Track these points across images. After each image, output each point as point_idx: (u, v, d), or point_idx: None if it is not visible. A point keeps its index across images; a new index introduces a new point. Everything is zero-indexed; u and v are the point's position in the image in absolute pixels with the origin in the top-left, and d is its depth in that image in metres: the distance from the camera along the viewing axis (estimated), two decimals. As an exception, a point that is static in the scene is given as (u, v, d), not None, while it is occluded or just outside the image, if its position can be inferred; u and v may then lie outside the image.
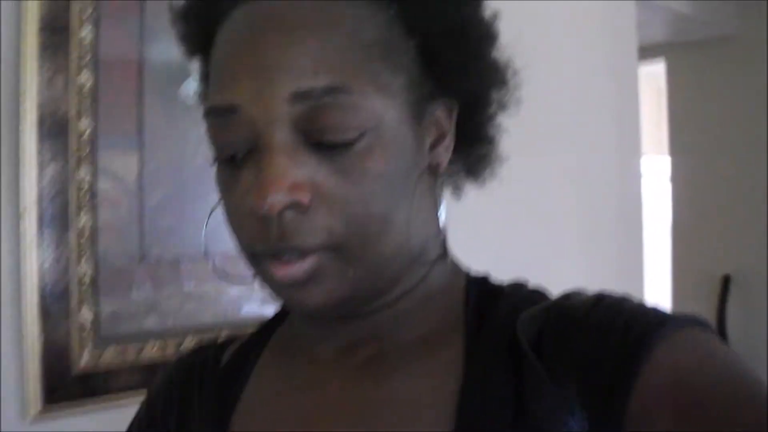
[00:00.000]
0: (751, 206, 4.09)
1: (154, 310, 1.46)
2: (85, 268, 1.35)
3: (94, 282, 1.36)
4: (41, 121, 1.30)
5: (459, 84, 0.70)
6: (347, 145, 0.62)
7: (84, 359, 1.36)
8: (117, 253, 1.41)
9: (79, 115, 1.33)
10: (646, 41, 3.73)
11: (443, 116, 0.70)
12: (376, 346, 0.70)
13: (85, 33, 1.33)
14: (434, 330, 0.70)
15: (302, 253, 0.61)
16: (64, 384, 1.34)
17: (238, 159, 0.63)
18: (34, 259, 1.30)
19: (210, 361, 0.81)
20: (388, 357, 0.69)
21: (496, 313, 0.68)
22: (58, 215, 1.32)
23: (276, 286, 0.64)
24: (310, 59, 0.62)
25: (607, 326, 0.60)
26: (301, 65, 0.61)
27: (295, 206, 0.61)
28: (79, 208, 1.34)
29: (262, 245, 0.62)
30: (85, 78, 1.34)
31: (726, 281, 4.25)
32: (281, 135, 0.61)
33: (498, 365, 0.64)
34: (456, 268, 0.75)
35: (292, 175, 0.61)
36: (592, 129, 2.57)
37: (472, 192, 0.80)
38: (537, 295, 0.71)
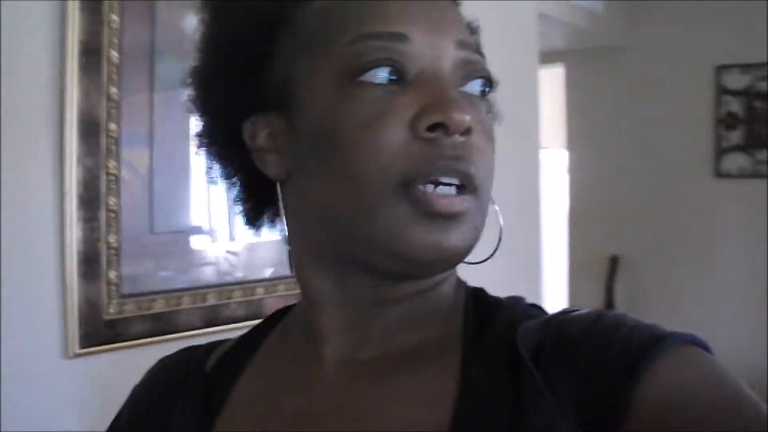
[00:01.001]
0: (637, 195, 4.46)
1: (162, 271, 1.84)
2: (112, 239, 1.72)
3: (118, 250, 1.73)
4: (80, 125, 1.65)
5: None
6: (483, 98, 0.68)
7: (111, 310, 1.73)
8: (134, 227, 1.78)
9: (108, 120, 1.70)
10: (548, 48, 4.09)
11: None
12: (379, 348, 0.69)
13: (113, 56, 1.70)
14: (435, 337, 0.69)
15: (462, 186, 0.62)
16: (96, 330, 1.70)
17: (392, 83, 0.63)
18: (74, 232, 1.65)
19: (195, 363, 0.79)
20: (388, 361, 0.68)
21: (494, 324, 0.67)
22: (92, 197, 1.68)
23: (424, 219, 0.61)
24: (463, 22, 0.70)
25: (606, 343, 0.60)
26: (460, 22, 0.69)
27: (468, 132, 0.62)
28: (108, 192, 1.70)
29: (430, 167, 0.61)
30: (113, 92, 1.70)
31: (614, 261, 4.63)
32: (447, 71, 0.65)
33: (495, 376, 0.63)
34: (458, 278, 0.74)
35: (466, 103, 0.63)
36: (496, 126, 2.91)
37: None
38: (535, 310, 0.71)
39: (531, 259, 3.04)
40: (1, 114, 1.56)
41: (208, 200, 1.96)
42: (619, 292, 4.56)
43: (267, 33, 0.69)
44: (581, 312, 0.66)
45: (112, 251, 1.72)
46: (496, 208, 0.72)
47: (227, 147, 0.74)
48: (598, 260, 4.63)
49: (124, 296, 1.75)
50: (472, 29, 0.75)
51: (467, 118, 0.61)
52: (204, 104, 0.75)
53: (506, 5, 2.94)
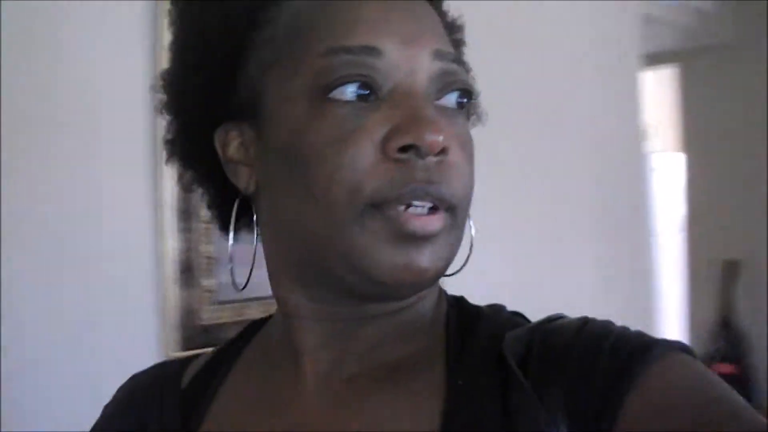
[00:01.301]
0: (757, 196, 4.32)
1: (253, 280, 1.90)
2: (206, 249, 1.80)
3: (213, 259, 1.82)
4: (174, 140, 1.73)
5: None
6: (461, 111, 0.65)
7: (206, 316, 1.81)
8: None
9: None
10: (658, 49, 4.02)
11: None
12: (361, 364, 0.67)
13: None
14: (418, 350, 0.68)
15: (435, 207, 0.60)
16: (193, 334, 1.78)
17: (364, 99, 0.61)
18: (171, 242, 1.75)
19: (171, 379, 0.77)
20: (372, 376, 0.67)
21: (478, 334, 0.66)
22: (186, 209, 1.77)
23: (397, 240, 0.59)
24: (441, 30, 0.67)
25: (594, 350, 0.59)
26: (438, 31, 0.66)
27: (443, 153, 0.60)
28: (201, 204, 1.77)
29: (400, 188, 0.59)
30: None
31: (734, 266, 4.48)
32: (422, 85, 0.62)
33: (482, 386, 0.62)
34: (439, 288, 0.73)
35: (441, 121, 0.61)
36: (606, 133, 2.86)
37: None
38: (517, 318, 0.70)
39: (642, 266, 2.97)
40: (101, 129, 1.66)
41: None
42: (740, 298, 4.40)
43: (238, 37, 0.67)
44: (567, 319, 0.66)
45: (207, 261, 1.81)
46: (471, 223, 0.69)
47: (198, 154, 0.72)
48: (715, 266, 4.52)
49: (219, 303, 1.83)
50: (454, 28, 0.73)
51: (441, 138, 0.58)
52: (175, 109, 0.73)
53: (608, 6, 2.91)
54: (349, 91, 0.60)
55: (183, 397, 0.74)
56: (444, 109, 0.63)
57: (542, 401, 0.59)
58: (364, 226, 0.59)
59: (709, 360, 4.27)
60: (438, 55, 0.63)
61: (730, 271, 4.50)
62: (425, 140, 0.58)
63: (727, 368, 4.20)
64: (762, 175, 4.30)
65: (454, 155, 0.62)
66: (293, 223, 0.64)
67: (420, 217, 0.59)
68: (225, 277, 1.81)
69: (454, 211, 0.62)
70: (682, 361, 0.58)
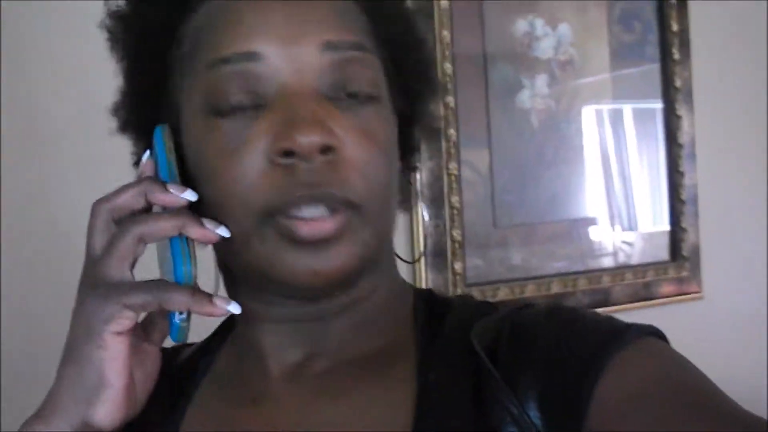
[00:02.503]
0: None
1: (504, 263, 1.98)
2: (456, 234, 1.88)
3: (462, 243, 1.90)
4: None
5: (411, 99, 0.72)
6: (367, 101, 0.62)
7: (458, 298, 1.89)
8: (477, 222, 1.94)
9: (447, 126, 1.88)
10: None
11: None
12: (331, 360, 0.67)
13: (446, 68, 1.88)
14: (387, 343, 0.68)
15: (331, 208, 0.59)
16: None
17: (251, 108, 0.60)
18: (422, 228, 1.82)
19: (163, 366, 0.73)
20: (343, 371, 0.66)
21: (448, 325, 0.67)
22: (436, 196, 1.86)
23: (293, 247, 0.59)
24: (337, 17, 0.63)
25: (564, 337, 0.60)
26: (330, 20, 0.62)
27: (328, 151, 0.58)
28: (450, 191, 1.87)
29: (287, 196, 0.58)
30: (449, 100, 1.88)
31: None
32: (310, 83, 0.60)
33: (453, 376, 0.62)
34: (403, 281, 0.73)
35: (324, 119, 0.59)
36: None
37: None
38: (487, 307, 0.70)
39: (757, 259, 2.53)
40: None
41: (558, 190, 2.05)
42: None
43: (159, 54, 0.67)
44: (536, 307, 0.66)
45: (457, 245, 1.89)
46: (423, 211, 0.68)
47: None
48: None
49: (468, 285, 1.91)
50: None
51: (314, 138, 0.57)
52: (123, 102, 0.72)
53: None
54: (235, 103, 0.60)
55: (171, 384, 0.72)
56: (342, 102, 0.61)
57: (513, 390, 0.59)
58: (263, 236, 0.60)
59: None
60: (330, 46, 0.61)
61: None
62: (298, 143, 0.57)
63: None
64: None
65: (351, 150, 0.60)
66: None
67: (311, 222, 0.59)
68: (472, 261, 1.91)
69: (360, 208, 0.60)
70: (653, 347, 0.59)
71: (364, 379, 0.66)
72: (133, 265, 0.60)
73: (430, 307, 0.70)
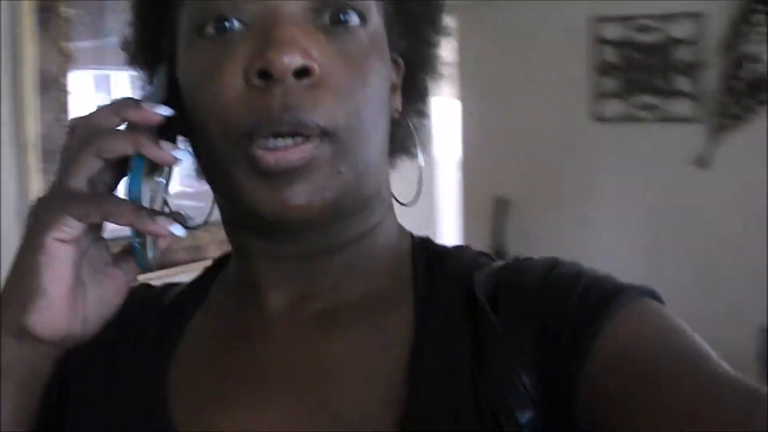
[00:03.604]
0: (524, 141, 4.60)
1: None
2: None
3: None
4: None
5: (414, 42, 0.71)
6: (354, 28, 0.61)
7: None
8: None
9: None
10: None
11: (395, 70, 0.69)
12: (327, 301, 0.67)
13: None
14: (384, 287, 0.67)
15: (302, 135, 0.57)
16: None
17: (235, 30, 0.59)
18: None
19: (152, 301, 0.76)
20: (339, 313, 0.66)
21: (446, 272, 0.67)
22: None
23: (262, 177, 0.58)
24: None
25: (566, 290, 0.60)
26: None
27: (306, 73, 0.57)
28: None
29: (260, 119, 0.57)
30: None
31: (504, 204, 4.67)
32: (294, 5, 0.59)
33: (451, 322, 0.63)
34: (401, 227, 0.72)
35: (304, 42, 0.57)
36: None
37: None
38: (485, 257, 0.70)
39: (427, 202, 2.97)
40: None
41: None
42: (508, 233, 4.69)
43: None
44: (536, 260, 0.66)
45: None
46: (420, 153, 0.72)
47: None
48: (488, 204, 4.74)
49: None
50: None
51: (289, 58, 0.55)
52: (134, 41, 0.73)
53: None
54: (218, 24, 0.59)
55: (161, 321, 0.73)
56: (327, 28, 0.60)
57: (512, 336, 0.60)
58: (239, 162, 0.58)
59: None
60: None
61: (501, 208, 4.68)
62: (272, 63, 0.55)
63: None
64: (532, 122, 4.60)
65: (330, 75, 0.58)
66: (201, 164, 0.66)
67: (277, 151, 0.57)
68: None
69: (334, 137, 0.58)
70: (650, 308, 0.60)
71: (360, 322, 0.65)
72: (91, 181, 0.59)
73: (428, 254, 0.70)
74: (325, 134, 0.58)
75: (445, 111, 4.85)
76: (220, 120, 0.58)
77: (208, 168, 0.65)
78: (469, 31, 4.53)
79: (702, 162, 4.21)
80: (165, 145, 0.58)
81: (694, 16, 4.16)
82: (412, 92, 0.73)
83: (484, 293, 0.63)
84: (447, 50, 0.75)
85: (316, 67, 0.57)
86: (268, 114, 0.57)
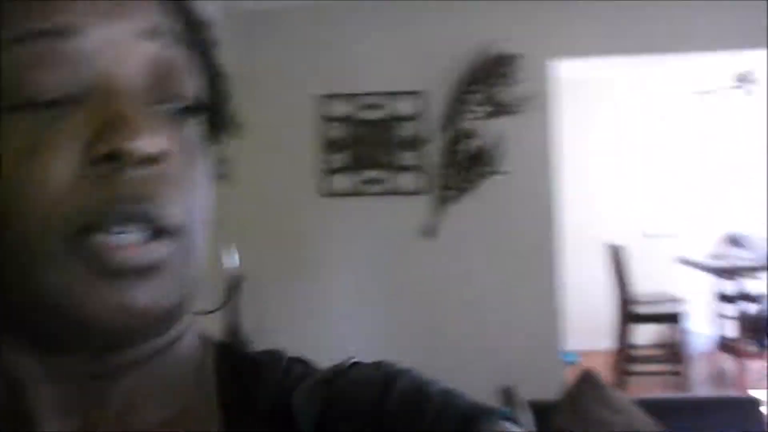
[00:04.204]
0: (257, 217, 4.51)
1: None
2: None
3: None
4: None
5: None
6: (191, 111, 0.53)
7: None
8: None
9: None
10: None
11: None
12: (119, 428, 0.54)
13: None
14: (186, 409, 0.56)
15: (149, 231, 0.48)
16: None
17: (60, 102, 0.48)
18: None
19: None
20: None
21: (258, 388, 0.58)
22: None
23: (102, 277, 0.48)
24: (156, 4, 0.53)
25: (413, 417, 0.54)
26: (152, 4, 0.52)
27: (154, 162, 0.48)
28: None
29: (105, 210, 0.47)
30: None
31: (238, 280, 4.30)
32: (135, 76, 0.50)
33: None
34: (203, 334, 0.62)
35: (154, 124, 0.49)
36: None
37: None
38: (299, 366, 0.61)
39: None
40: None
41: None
42: (244, 309, 4.72)
43: None
44: (362, 370, 0.59)
45: None
46: (234, 254, 0.66)
47: None
48: (223, 279, 4.70)
49: None
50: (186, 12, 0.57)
51: (140, 144, 0.47)
52: None
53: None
54: (42, 92, 0.47)
55: None
56: (163, 111, 0.51)
57: None
58: (67, 263, 0.47)
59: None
60: (151, 33, 0.51)
61: (235, 283, 4.41)
62: (123, 147, 0.47)
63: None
64: (263, 197, 4.62)
65: (176, 166, 0.50)
66: None
67: (129, 247, 0.48)
68: None
69: (181, 235, 0.50)
70: None
71: None
72: None
73: (235, 365, 0.60)
74: (172, 231, 0.50)
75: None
76: (42, 214, 0.47)
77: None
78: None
79: (428, 232, 4.43)
80: None
81: (416, 93, 4.44)
82: None
83: (308, 415, 0.55)
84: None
85: (168, 155, 0.49)
86: (115, 204, 0.48)
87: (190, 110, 0.53)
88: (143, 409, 0.55)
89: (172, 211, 0.49)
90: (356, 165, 4.51)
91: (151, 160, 0.48)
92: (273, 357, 0.61)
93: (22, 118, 0.47)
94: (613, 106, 7.10)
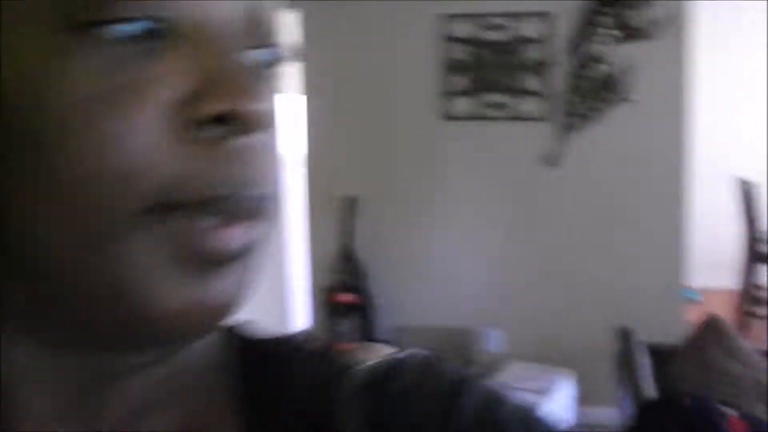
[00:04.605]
0: (372, 139, 4.60)
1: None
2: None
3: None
4: None
5: None
6: (275, 65, 0.44)
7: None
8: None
9: None
10: None
11: None
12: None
13: None
14: (203, 412, 0.49)
15: (247, 211, 0.41)
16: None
17: (143, 33, 0.38)
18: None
19: None
20: None
21: (288, 387, 0.50)
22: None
23: (191, 262, 0.39)
24: None
25: (491, 424, 0.48)
26: None
27: (266, 128, 0.40)
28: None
29: (203, 184, 0.39)
30: None
31: (353, 202, 4.58)
32: (232, 17, 0.41)
33: None
34: (226, 326, 0.52)
35: (258, 81, 0.42)
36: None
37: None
38: (339, 362, 0.52)
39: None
40: None
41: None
42: (358, 232, 4.64)
43: None
44: (416, 374, 0.51)
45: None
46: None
47: None
48: (336, 202, 4.64)
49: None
50: None
51: (256, 107, 0.39)
52: None
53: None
54: (113, 15, 0.37)
55: None
56: (254, 69, 0.42)
57: None
58: (140, 243, 0.39)
59: (331, 291, 4.54)
60: None
61: (349, 206, 4.59)
62: (238, 108, 0.38)
63: (348, 297, 4.49)
64: (380, 120, 4.62)
65: (266, 136, 0.42)
66: (20, 236, 0.41)
67: (221, 230, 0.40)
68: None
69: (268, 217, 0.43)
70: None
71: None
72: None
73: (262, 362, 0.52)
74: (266, 213, 0.42)
75: (289, 107, 4.72)
76: (121, 177, 0.38)
77: (35, 247, 0.40)
78: (314, 26, 4.51)
79: (550, 160, 4.30)
80: None
81: (543, 15, 4.24)
82: None
83: (354, 421, 0.48)
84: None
85: (274, 120, 0.42)
86: (219, 178, 0.39)
87: (277, 62, 0.44)
88: (151, 415, 0.47)
89: (269, 189, 0.42)
90: (478, 88, 4.37)
91: (263, 126, 0.39)
92: (296, 346, 0.53)
93: (97, 47, 0.37)
94: (756, 33, 6.64)
